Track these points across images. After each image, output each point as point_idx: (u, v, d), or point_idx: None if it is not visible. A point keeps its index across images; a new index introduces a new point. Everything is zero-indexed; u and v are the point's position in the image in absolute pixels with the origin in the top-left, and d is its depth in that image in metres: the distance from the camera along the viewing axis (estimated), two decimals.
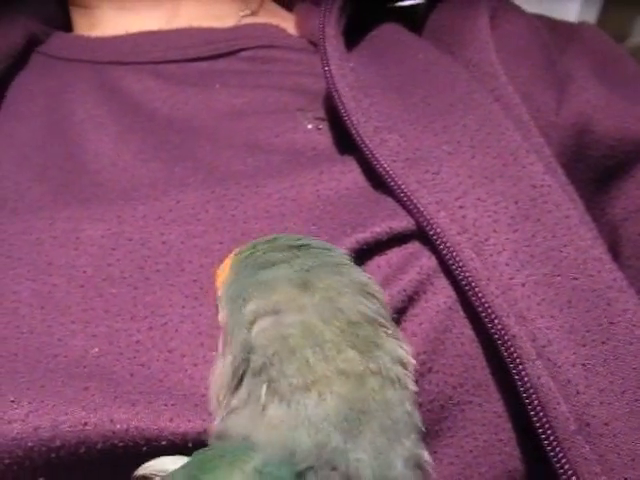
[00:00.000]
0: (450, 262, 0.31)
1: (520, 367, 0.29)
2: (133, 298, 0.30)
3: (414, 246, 0.32)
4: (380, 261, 0.31)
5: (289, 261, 0.24)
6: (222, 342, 0.25)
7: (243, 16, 0.51)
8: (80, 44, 0.48)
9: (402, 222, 0.32)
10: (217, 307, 0.27)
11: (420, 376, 0.29)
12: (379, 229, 0.31)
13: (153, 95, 0.43)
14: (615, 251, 0.38)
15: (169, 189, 0.35)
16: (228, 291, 0.25)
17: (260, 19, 0.51)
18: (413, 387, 0.23)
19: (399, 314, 0.30)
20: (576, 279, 0.30)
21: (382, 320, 0.23)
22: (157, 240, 0.32)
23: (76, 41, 0.49)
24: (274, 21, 0.49)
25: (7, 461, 0.26)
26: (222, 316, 0.25)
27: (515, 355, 0.29)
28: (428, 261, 0.31)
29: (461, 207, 0.32)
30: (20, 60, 0.47)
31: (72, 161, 0.39)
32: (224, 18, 0.49)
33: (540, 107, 0.38)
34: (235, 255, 0.27)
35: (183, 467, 0.22)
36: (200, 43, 0.46)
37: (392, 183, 0.33)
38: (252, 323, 0.23)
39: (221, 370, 0.24)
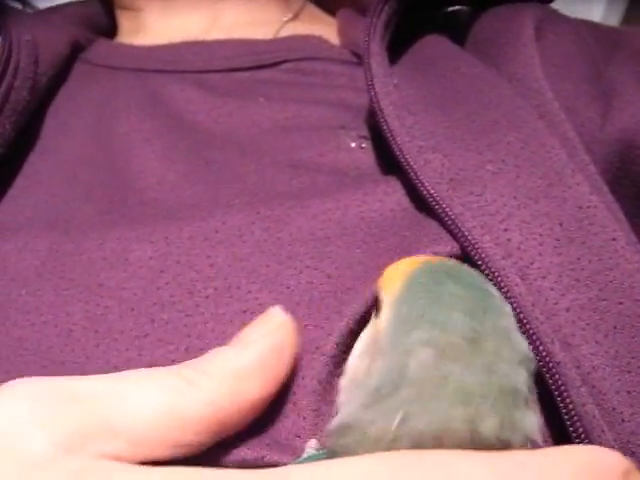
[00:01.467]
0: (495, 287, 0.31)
1: (565, 394, 0.28)
2: (185, 326, 0.30)
3: None
4: None
5: (466, 310, 0.23)
6: (372, 342, 0.25)
7: (286, 21, 0.51)
8: (124, 52, 0.49)
9: (446, 247, 0.31)
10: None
11: None
12: (423, 254, 0.31)
13: (196, 107, 0.43)
14: None
15: (214, 210, 0.35)
16: (398, 305, 0.24)
17: (302, 25, 0.51)
18: None
19: None
20: (622, 304, 0.30)
21: (529, 395, 0.22)
22: (204, 263, 0.32)
23: (120, 49, 0.50)
24: (316, 28, 0.49)
25: None
26: (380, 321, 0.25)
27: (560, 382, 0.28)
28: None
29: (505, 230, 0.31)
30: (64, 68, 0.47)
31: (118, 178, 0.39)
32: (266, 22, 0.50)
33: (584, 122, 0.37)
34: (410, 267, 0.25)
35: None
36: (243, 53, 0.46)
37: (437, 206, 0.32)
38: (411, 352, 0.22)
39: (365, 370, 0.24)
